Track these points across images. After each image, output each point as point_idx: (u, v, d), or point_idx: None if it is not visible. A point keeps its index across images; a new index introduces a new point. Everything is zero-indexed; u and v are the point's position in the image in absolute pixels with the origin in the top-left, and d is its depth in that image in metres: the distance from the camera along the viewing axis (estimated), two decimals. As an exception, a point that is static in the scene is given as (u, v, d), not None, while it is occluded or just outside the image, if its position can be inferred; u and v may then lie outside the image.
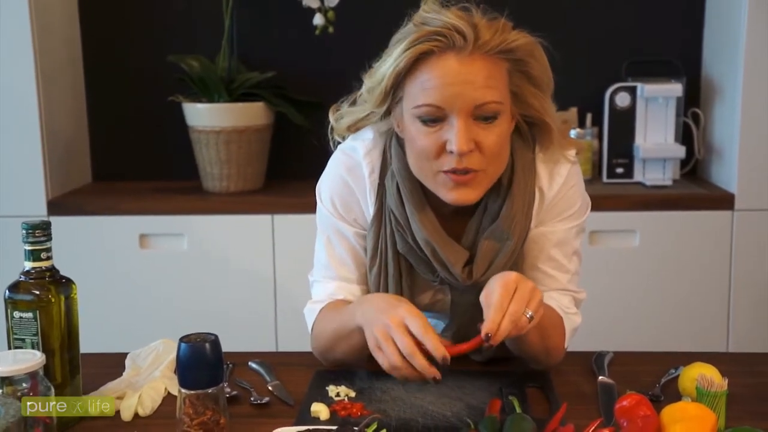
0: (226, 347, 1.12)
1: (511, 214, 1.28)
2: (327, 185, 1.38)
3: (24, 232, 1.15)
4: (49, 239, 1.17)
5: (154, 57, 2.65)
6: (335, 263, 1.38)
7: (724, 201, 2.40)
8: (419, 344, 1.14)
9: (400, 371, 1.14)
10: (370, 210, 1.34)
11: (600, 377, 1.30)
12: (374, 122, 1.33)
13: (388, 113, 1.29)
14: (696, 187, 2.52)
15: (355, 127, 1.36)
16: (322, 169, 1.40)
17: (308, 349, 1.39)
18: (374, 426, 1.11)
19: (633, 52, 2.64)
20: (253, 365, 1.38)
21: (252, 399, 1.25)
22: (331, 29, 2.47)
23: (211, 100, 2.52)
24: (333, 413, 1.18)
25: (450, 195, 1.23)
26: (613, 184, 2.55)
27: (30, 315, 1.15)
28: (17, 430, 1.01)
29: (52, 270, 1.18)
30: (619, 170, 2.56)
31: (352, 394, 1.25)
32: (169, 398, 1.25)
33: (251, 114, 2.51)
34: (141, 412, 1.21)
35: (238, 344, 1.42)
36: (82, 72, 2.72)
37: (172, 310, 2.43)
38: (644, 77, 2.56)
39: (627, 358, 1.41)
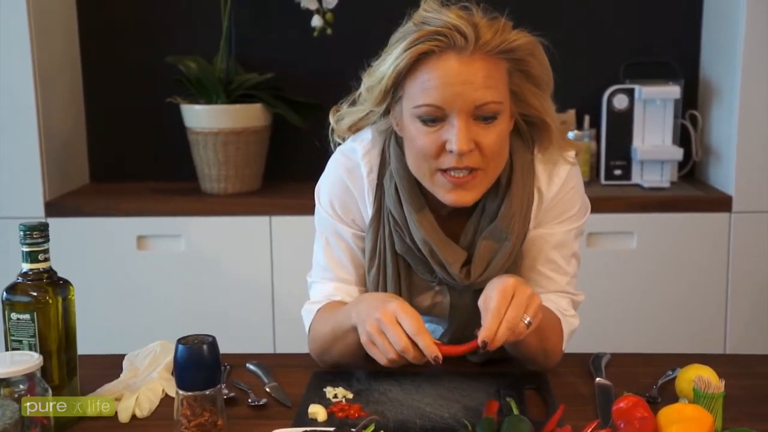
0: (223, 349, 1.12)
1: (509, 214, 1.28)
2: (326, 187, 1.38)
3: (21, 233, 1.15)
4: (47, 241, 1.17)
5: (152, 58, 2.65)
6: (333, 264, 1.38)
7: (721, 203, 2.41)
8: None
9: (395, 364, 1.15)
10: (368, 211, 1.34)
11: (597, 379, 1.30)
12: (374, 121, 1.33)
13: (387, 112, 1.29)
14: (694, 189, 2.52)
15: (355, 128, 1.37)
16: (320, 171, 1.40)
17: (306, 350, 1.39)
18: (372, 427, 1.11)
19: (631, 54, 2.64)
20: (251, 367, 1.37)
21: (250, 400, 1.25)
22: (329, 31, 2.48)
23: (209, 102, 2.52)
24: (330, 415, 1.18)
25: (448, 196, 1.24)
26: (610, 186, 2.55)
27: (27, 316, 1.15)
28: (15, 431, 1.00)
29: (50, 271, 1.18)
30: (617, 172, 2.56)
31: (350, 395, 1.24)
32: (166, 400, 1.25)
33: (249, 115, 2.51)
34: (138, 414, 1.20)
35: (236, 346, 1.42)
36: (80, 73, 2.72)
37: (170, 311, 2.43)
38: (642, 79, 2.56)
39: (624, 359, 1.41)
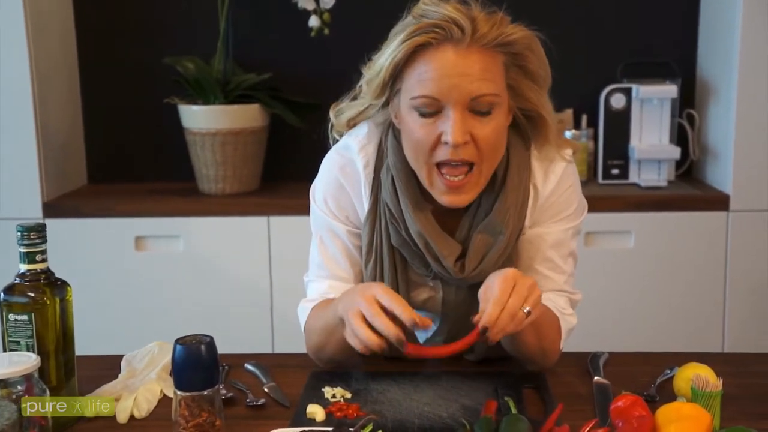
0: (221, 349, 1.12)
1: (504, 208, 1.28)
2: (320, 185, 1.39)
3: (19, 234, 1.15)
4: (44, 241, 1.17)
5: (149, 59, 2.65)
6: (328, 262, 1.38)
7: (719, 202, 2.41)
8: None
9: (358, 332, 1.15)
10: (364, 206, 1.35)
11: (595, 378, 1.30)
12: (372, 115, 1.33)
13: (386, 105, 1.30)
14: (691, 188, 2.53)
15: (354, 121, 1.37)
16: (318, 171, 1.41)
17: (304, 350, 1.39)
18: (370, 427, 1.11)
19: (628, 54, 2.64)
20: (249, 367, 1.38)
21: (248, 401, 1.25)
22: (326, 31, 2.48)
23: (206, 102, 2.52)
24: (329, 415, 1.18)
25: (444, 198, 1.25)
26: (608, 185, 2.55)
27: (25, 317, 1.15)
28: (13, 432, 1.01)
29: (47, 272, 1.18)
30: (615, 171, 2.57)
31: (348, 395, 1.25)
32: (164, 400, 1.25)
33: (247, 116, 2.51)
34: (137, 414, 1.20)
35: (234, 346, 1.42)
36: (77, 74, 2.72)
37: (168, 311, 2.43)
38: (639, 78, 2.56)
39: (622, 358, 1.41)
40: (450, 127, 1.19)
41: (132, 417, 1.20)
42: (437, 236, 1.29)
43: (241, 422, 1.18)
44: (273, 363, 1.39)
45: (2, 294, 1.16)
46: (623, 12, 2.67)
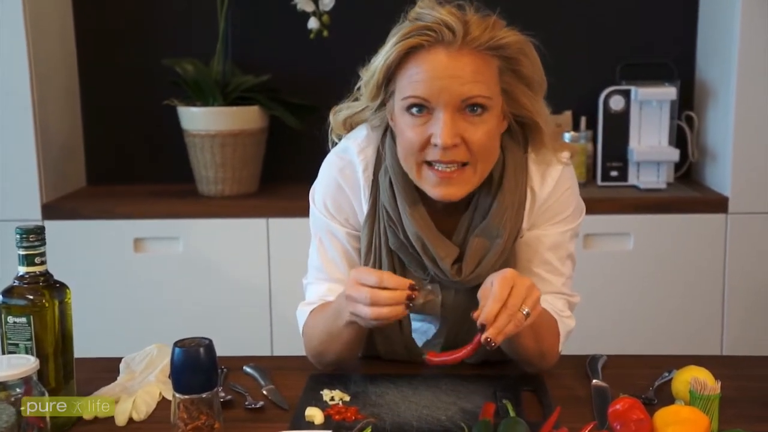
0: (220, 351, 1.12)
1: (500, 211, 1.28)
2: (319, 188, 1.39)
3: (18, 236, 1.15)
4: (43, 244, 1.17)
5: (149, 60, 2.65)
6: (327, 265, 1.38)
7: (718, 204, 2.41)
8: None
9: (380, 317, 1.16)
10: (363, 208, 1.35)
11: (594, 380, 1.30)
12: (369, 116, 1.34)
13: (382, 107, 1.31)
14: (690, 190, 2.53)
15: (350, 122, 1.38)
16: (317, 173, 1.41)
17: (303, 352, 1.39)
18: (368, 430, 1.11)
19: (627, 56, 2.64)
20: (248, 369, 1.38)
21: (246, 403, 1.25)
22: (325, 33, 2.48)
23: (205, 104, 2.52)
24: (327, 417, 1.18)
25: (434, 191, 1.25)
26: (607, 187, 2.55)
27: (24, 320, 1.15)
28: (11, 435, 1.01)
29: (46, 275, 1.18)
30: (614, 173, 2.57)
31: (347, 398, 1.25)
32: (163, 403, 1.25)
33: (246, 117, 2.51)
34: (135, 417, 1.20)
35: (233, 348, 1.42)
36: (76, 75, 2.72)
37: (167, 314, 2.43)
38: (638, 80, 2.57)
39: (621, 361, 1.41)
40: (440, 129, 1.20)
41: (131, 419, 1.20)
42: (434, 238, 1.29)
43: (240, 425, 1.18)
44: (272, 365, 1.39)
45: (1, 296, 1.16)
46: (622, 14, 2.67)
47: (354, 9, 2.58)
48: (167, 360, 1.28)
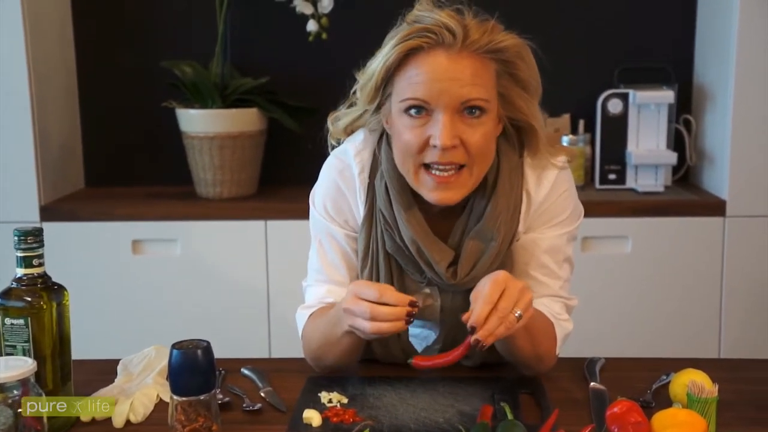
0: (218, 353, 1.12)
1: (495, 214, 1.29)
2: (319, 190, 1.39)
3: (16, 238, 1.15)
4: (41, 246, 1.17)
5: (147, 62, 2.65)
6: (327, 267, 1.38)
7: (715, 207, 2.41)
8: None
9: (380, 331, 1.16)
10: (361, 211, 1.35)
11: (591, 383, 1.30)
12: (367, 120, 1.34)
13: (378, 109, 1.31)
14: (688, 193, 2.53)
15: (350, 128, 1.39)
16: (316, 175, 1.41)
17: (301, 355, 1.39)
18: (366, 432, 1.11)
19: (625, 59, 2.65)
20: (246, 372, 1.37)
21: (244, 405, 1.25)
22: (324, 35, 2.48)
23: (204, 106, 2.52)
24: (325, 420, 1.18)
25: (432, 195, 1.25)
26: (605, 191, 2.56)
27: (21, 321, 1.14)
28: (8, 437, 1.01)
29: (44, 276, 1.18)
30: (612, 176, 2.57)
31: (345, 400, 1.25)
32: (161, 405, 1.24)
33: (244, 120, 2.51)
34: (133, 419, 1.20)
35: (231, 350, 1.42)
36: (75, 77, 2.72)
37: (165, 316, 2.43)
38: (636, 84, 2.57)
39: (618, 364, 1.41)
40: (439, 130, 1.20)
41: (128, 422, 1.20)
42: (429, 242, 1.29)
43: (238, 427, 1.18)
44: (270, 368, 1.39)
45: (-1, 298, 1.16)
46: (620, 17, 2.68)
47: (352, 11, 2.58)
48: (165, 362, 1.28)
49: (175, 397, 1.08)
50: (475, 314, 1.13)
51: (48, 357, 1.17)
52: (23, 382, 1.06)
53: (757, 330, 2.41)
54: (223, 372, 1.36)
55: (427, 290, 1.36)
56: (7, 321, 1.15)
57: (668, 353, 1.71)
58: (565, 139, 2.60)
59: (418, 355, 1.35)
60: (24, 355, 1.14)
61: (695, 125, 2.62)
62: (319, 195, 1.39)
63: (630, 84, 2.58)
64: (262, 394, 1.29)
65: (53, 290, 1.18)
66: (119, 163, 2.78)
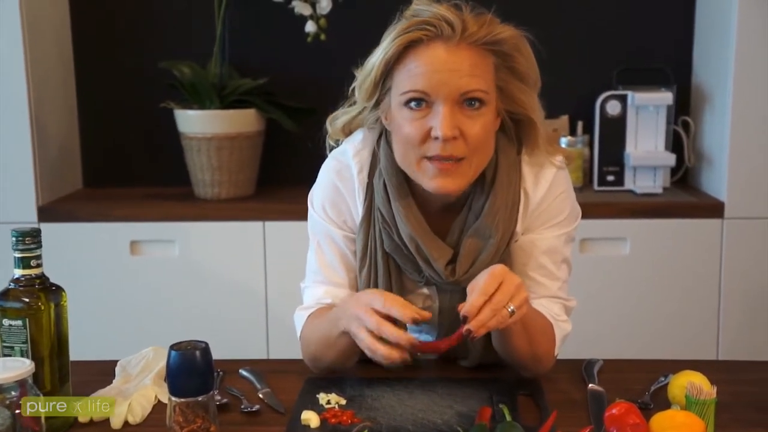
0: (216, 354, 1.12)
1: (493, 211, 1.29)
2: (318, 191, 1.39)
3: (14, 239, 1.15)
4: (39, 246, 1.17)
5: (145, 63, 2.65)
6: (325, 268, 1.38)
7: (714, 209, 2.41)
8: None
9: (377, 351, 1.16)
10: (359, 211, 1.35)
11: (590, 385, 1.30)
12: (365, 117, 1.34)
13: (377, 106, 1.31)
14: (686, 195, 2.53)
15: (348, 128, 1.39)
16: (314, 176, 1.41)
17: (299, 356, 1.39)
18: (364, 434, 1.11)
19: (624, 61, 2.65)
20: (244, 373, 1.37)
21: (242, 407, 1.25)
22: (323, 36, 2.48)
23: (202, 107, 2.52)
24: (323, 421, 1.18)
25: (432, 183, 1.25)
26: (603, 192, 2.56)
27: (19, 322, 1.14)
28: (6, 438, 1.00)
29: (42, 277, 1.18)
30: (610, 178, 2.57)
31: (343, 401, 1.24)
32: (159, 406, 1.24)
33: (243, 121, 2.51)
34: (131, 420, 1.20)
35: (229, 351, 1.42)
36: (73, 78, 2.72)
37: (163, 317, 2.43)
38: (635, 85, 2.57)
39: (617, 365, 1.41)
40: (440, 121, 1.21)
41: (126, 423, 1.20)
42: (428, 239, 1.30)
43: (236, 428, 1.18)
44: (268, 369, 1.39)
45: (-4, 299, 1.16)
46: (618, 19, 2.68)
47: (351, 12, 2.58)
48: (163, 363, 1.27)
49: (173, 398, 1.08)
50: (468, 303, 1.14)
51: (46, 358, 1.16)
52: (21, 383, 1.06)
53: (755, 331, 2.41)
54: (221, 373, 1.36)
55: (426, 290, 1.36)
56: (5, 322, 1.15)
57: (666, 355, 1.71)
58: (564, 141, 2.60)
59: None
60: (22, 356, 1.14)
61: (694, 127, 2.62)
62: (317, 196, 1.39)
63: (628, 85, 2.58)
64: (261, 396, 1.29)
65: (51, 291, 1.18)
66: (117, 163, 2.78)
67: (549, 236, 1.34)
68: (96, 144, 2.76)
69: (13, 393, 1.05)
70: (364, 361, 1.40)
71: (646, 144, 2.56)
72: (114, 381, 1.33)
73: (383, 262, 1.34)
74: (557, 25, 2.63)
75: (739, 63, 2.35)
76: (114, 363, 1.38)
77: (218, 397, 1.24)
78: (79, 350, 1.30)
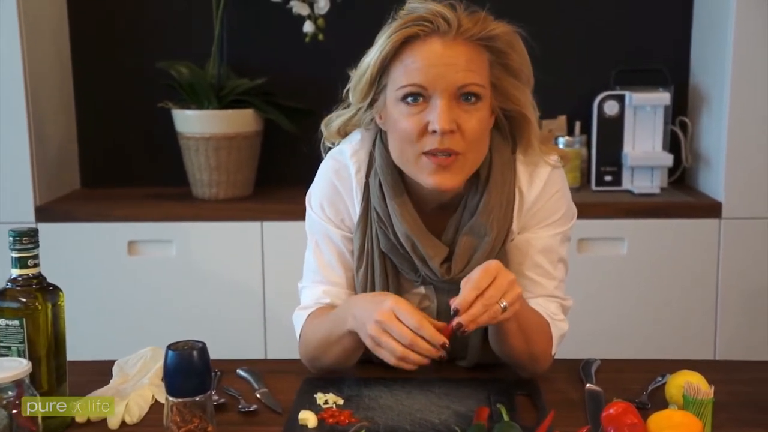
0: (214, 354, 1.12)
1: (488, 209, 1.29)
2: (316, 190, 1.39)
3: (11, 239, 1.15)
4: (36, 246, 1.17)
5: (143, 63, 2.64)
6: (323, 268, 1.38)
7: (711, 209, 2.42)
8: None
9: (407, 359, 1.16)
10: (357, 211, 1.35)
11: (587, 385, 1.30)
12: (361, 118, 1.34)
13: (371, 105, 1.31)
14: (683, 195, 2.54)
15: (344, 130, 1.39)
16: (312, 176, 1.41)
17: (297, 356, 1.39)
18: (362, 434, 1.11)
19: (621, 61, 2.65)
20: (241, 373, 1.37)
21: (240, 407, 1.25)
22: (321, 36, 2.48)
23: (200, 107, 2.52)
24: (321, 421, 1.18)
25: (430, 179, 1.25)
26: (601, 192, 2.56)
27: (16, 322, 1.14)
28: (3, 438, 1.00)
29: (39, 277, 1.17)
30: (608, 178, 2.57)
31: (341, 401, 1.24)
32: (156, 406, 1.24)
33: (241, 121, 2.51)
34: (128, 420, 1.20)
35: (227, 351, 1.42)
36: (71, 77, 2.72)
37: (161, 317, 2.42)
38: (632, 86, 2.57)
39: (614, 365, 1.41)
40: (437, 115, 1.21)
41: (123, 423, 1.20)
42: (424, 237, 1.30)
43: (233, 428, 1.18)
44: (265, 369, 1.39)
45: (-6, 299, 1.16)
46: (616, 19, 2.68)
47: (349, 13, 2.58)
48: (160, 363, 1.27)
49: (170, 398, 1.08)
50: (460, 297, 1.15)
51: (43, 358, 1.16)
52: (18, 383, 1.05)
53: (752, 331, 2.42)
54: (218, 373, 1.36)
55: (422, 290, 1.37)
56: (2, 322, 1.15)
57: (664, 355, 1.71)
58: (561, 141, 2.60)
59: None
60: (19, 356, 1.14)
61: (691, 127, 2.63)
62: (315, 196, 1.39)
63: (626, 86, 2.58)
64: (258, 396, 1.29)
65: (48, 291, 1.18)
66: (115, 163, 2.78)
67: (544, 235, 1.35)
68: (94, 144, 2.76)
69: (10, 393, 1.05)
70: (362, 361, 1.40)
71: (644, 144, 2.56)
72: (111, 381, 1.33)
73: (380, 262, 1.34)
74: (555, 26, 2.63)
75: (737, 63, 2.36)
76: (111, 363, 1.38)
77: (216, 397, 1.24)
78: (76, 350, 1.30)
